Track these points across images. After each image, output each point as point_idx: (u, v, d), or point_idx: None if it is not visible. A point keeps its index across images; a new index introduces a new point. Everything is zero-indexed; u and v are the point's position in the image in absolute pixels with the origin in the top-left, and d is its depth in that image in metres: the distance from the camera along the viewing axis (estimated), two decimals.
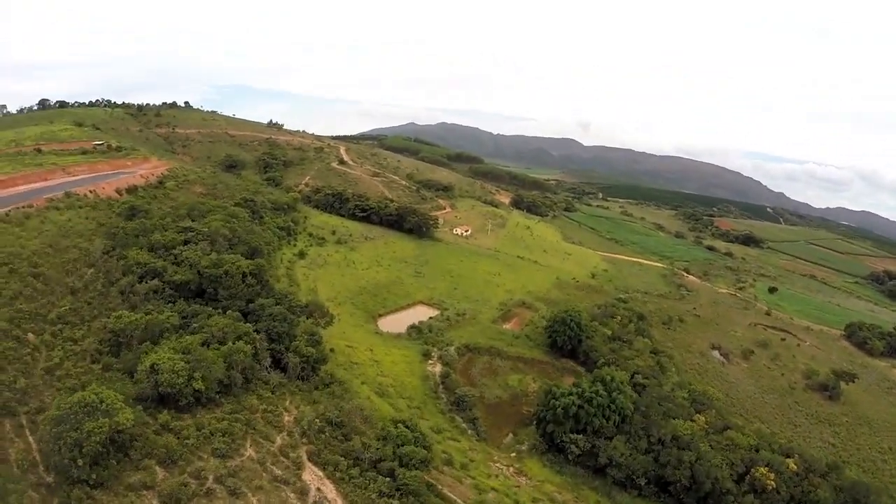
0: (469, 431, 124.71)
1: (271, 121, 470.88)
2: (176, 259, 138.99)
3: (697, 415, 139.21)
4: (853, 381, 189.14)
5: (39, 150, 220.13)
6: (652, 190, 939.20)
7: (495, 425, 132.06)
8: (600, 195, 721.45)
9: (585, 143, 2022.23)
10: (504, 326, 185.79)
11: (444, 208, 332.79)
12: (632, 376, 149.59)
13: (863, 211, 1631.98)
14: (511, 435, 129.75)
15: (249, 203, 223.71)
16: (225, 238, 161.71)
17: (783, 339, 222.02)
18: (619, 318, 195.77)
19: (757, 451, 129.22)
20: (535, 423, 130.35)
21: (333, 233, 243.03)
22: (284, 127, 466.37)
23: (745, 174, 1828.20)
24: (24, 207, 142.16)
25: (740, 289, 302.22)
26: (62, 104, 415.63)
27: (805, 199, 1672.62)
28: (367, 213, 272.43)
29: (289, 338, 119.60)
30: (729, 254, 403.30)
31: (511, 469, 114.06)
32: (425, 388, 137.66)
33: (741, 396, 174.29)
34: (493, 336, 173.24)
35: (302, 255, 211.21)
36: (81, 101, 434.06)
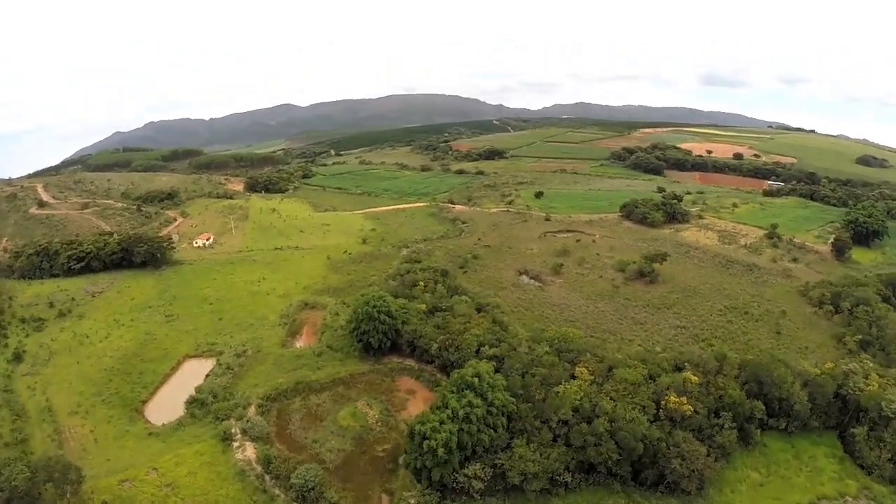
0: None
1: None
2: None
3: (576, 367, 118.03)
4: (665, 260, 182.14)
5: None
6: (381, 132, 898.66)
7: (360, 493, 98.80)
8: (332, 152, 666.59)
9: (303, 105, 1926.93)
10: (297, 345, 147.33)
11: (175, 220, 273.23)
12: (478, 349, 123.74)
13: (576, 103, 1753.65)
14: (386, 498, 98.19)
15: None
16: None
17: (578, 241, 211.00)
18: (421, 283, 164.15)
19: (653, 379, 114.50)
20: (409, 466, 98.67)
21: (51, 305, 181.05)
22: None
23: (464, 96, 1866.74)
24: None
25: (509, 203, 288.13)
26: None
27: (522, 105, 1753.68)
28: (86, 261, 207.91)
29: None
30: (480, 172, 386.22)
31: None
32: (249, 493, 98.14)
33: (578, 315, 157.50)
34: (292, 364, 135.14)
35: (18, 357, 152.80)
36: None
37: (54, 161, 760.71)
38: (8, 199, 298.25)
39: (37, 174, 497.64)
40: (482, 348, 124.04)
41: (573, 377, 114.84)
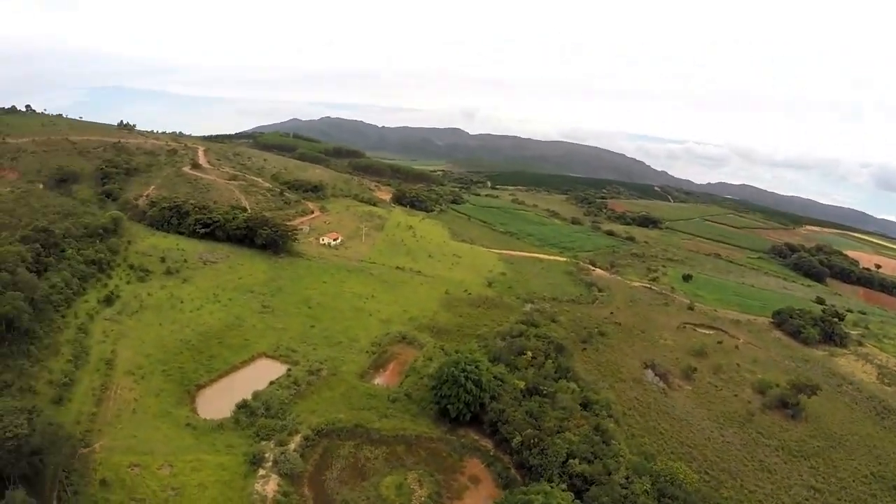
0: None
1: (122, 122, 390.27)
2: None
3: None
4: (815, 394, 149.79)
5: None
6: (540, 175, 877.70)
7: None
8: (489, 184, 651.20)
9: (471, 132, 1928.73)
10: (377, 381, 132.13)
11: (313, 212, 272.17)
12: (566, 460, 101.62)
13: (741, 184, 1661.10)
14: None
15: (41, 235, 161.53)
16: None
17: (720, 343, 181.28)
18: (530, 353, 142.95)
19: None
20: None
21: (163, 260, 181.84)
22: (137, 128, 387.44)
23: (628, 155, 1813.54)
24: None
25: (653, 279, 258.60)
26: None
27: (687, 175, 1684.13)
28: (211, 229, 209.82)
29: None
30: (630, 238, 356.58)
31: None
32: None
33: (699, 440, 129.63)
34: (361, 402, 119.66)
35: (110, 300, 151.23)
36: None
37: (230, 131, 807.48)
38: (168, 154, 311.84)
39: (208, 138, 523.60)
40: (571, 460, 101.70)
41: None
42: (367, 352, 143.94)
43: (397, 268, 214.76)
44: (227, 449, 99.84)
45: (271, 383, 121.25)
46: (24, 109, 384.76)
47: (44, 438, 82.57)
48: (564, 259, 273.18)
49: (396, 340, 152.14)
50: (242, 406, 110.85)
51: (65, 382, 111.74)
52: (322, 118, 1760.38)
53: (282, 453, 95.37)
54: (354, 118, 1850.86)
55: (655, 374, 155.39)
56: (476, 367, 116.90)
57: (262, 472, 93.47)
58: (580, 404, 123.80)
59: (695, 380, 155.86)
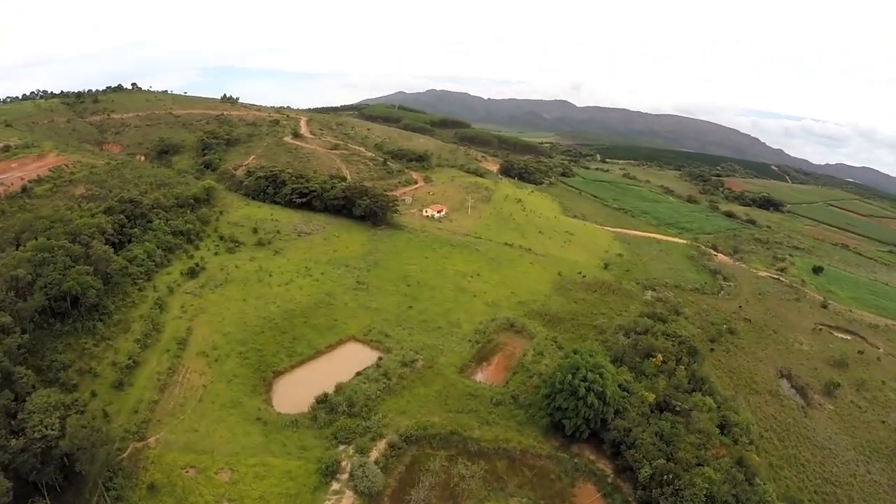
0: None
1: (225, 95, 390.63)
2: None
3: None
4: None
5: None
6: (651, 150, 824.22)
7: None
8: (598, 157, 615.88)
9: (579, 105, 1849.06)
10: (478, 377, 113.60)
11: (416, 182, 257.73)
12: None
13: (862, 167, 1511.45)
14: None
15: (127, 206, 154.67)
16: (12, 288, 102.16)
17: (860, 353, 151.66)
18: (659, 355, 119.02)
19: None
20: None
21: (255, 230, 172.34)
22: (240, 101, 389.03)
23: (742, 131, 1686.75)
24: None
25: (781, 269, 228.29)
26: None
27: (803, 155, 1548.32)
28: (308, 199, 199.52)
29: None
30: (752, 221, 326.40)
31: None
32: None
33: (843, 477, 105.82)
34: (459, 403, 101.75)
35: (194, 272, 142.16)
36: (14, 96, 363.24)
37: (336, 104, 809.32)
38: (270, 125, 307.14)
39: (315, 110, 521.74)
40: None
41: None
42: (469, 340, 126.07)
43: (505, 244, 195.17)
44: (300, 452, 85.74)
45: (358, 374, 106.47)
46: (129, 87, 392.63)
47: (75, 442, 70.74)
48: (684, 241, 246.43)
49: (503, 328, 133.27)
50: (322, 400, 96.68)
51: (128, 364, 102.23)
52: (428, 90, 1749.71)
53: (361, 465, 79.06)
54: (460, 90, 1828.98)
55: (792, 387, 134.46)
56: (600, 374, 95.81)
57: (335, 486, 78.49)
58: (718, 426, 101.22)
59: (836, 398, 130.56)
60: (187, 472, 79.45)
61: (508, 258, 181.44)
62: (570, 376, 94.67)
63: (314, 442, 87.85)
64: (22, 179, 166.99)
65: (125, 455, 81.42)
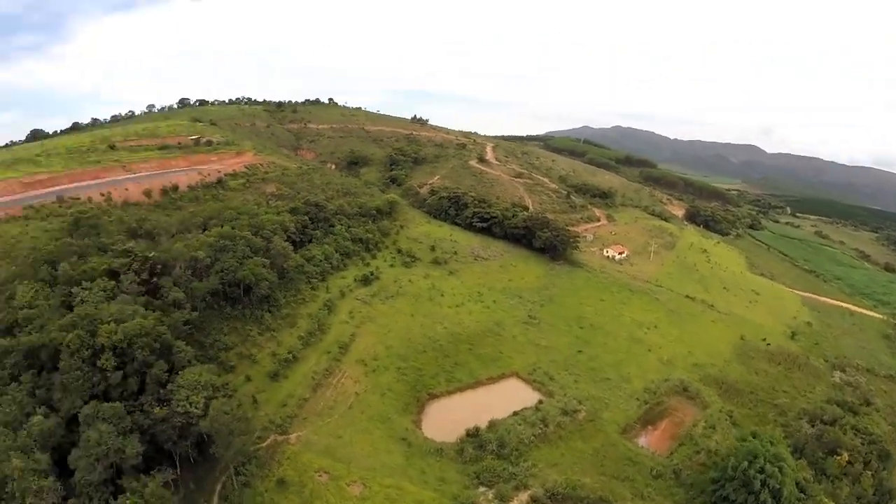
0: None
1: (415, 116, 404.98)
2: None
3: None
4: None
5: (112, 147, 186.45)
6: (846, 206, 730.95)
7: None
8: (788, 210, 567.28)
9: (768, 151, 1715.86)
10: (641, 441, 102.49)
11: (599, 220, 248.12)
12: None
13: None
14: None
15: (311, 209, 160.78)
16: (190, 267, 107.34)
17: None
18: (845, 453, 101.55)
19: None
20: None
21: (433, 248, 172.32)
22: (429, 122, 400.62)
23: None
24: None
25: None
26: (202, 102, 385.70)
27: None
28: (488, 224, 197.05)
29: None
30: None
31: None
32: None
33: None
34: (616, 468, 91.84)
35: (367, 280, 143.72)
36: (222, 100, 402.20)
37: (522, 133, 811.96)
38: (457, 148, 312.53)
39: (501, 138, 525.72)
40: None
41: None
42: (637, 398, 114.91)
43: (687, 296, 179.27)
44: (437, 483, 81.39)
45: (515, 414, 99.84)
46: (326, 101, 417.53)
47: (215, 426, 71.90)
48: (880, 316, 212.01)
49: (675, 390, 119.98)
50: (473, 434, 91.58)
51: (287, 358, 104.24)
52: (614, 126, 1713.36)
53: None
54: (647, 129, 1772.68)
55: None
56: (779, 469, 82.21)
57: None
58: None
59: None
60: (320, 475, 78.46)
61: (689, 312, 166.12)
62: (745, 464, 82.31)
63: (455, 476, 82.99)
64: (219, 172, 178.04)
65: (263, 445, 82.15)
